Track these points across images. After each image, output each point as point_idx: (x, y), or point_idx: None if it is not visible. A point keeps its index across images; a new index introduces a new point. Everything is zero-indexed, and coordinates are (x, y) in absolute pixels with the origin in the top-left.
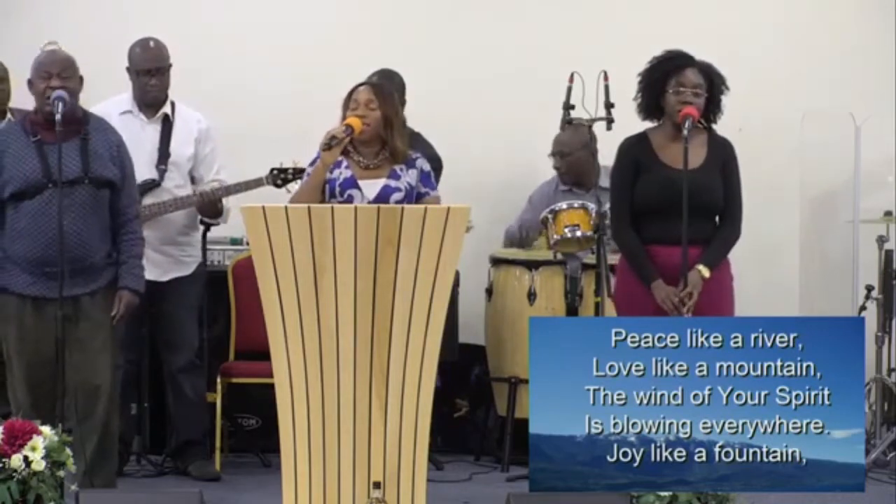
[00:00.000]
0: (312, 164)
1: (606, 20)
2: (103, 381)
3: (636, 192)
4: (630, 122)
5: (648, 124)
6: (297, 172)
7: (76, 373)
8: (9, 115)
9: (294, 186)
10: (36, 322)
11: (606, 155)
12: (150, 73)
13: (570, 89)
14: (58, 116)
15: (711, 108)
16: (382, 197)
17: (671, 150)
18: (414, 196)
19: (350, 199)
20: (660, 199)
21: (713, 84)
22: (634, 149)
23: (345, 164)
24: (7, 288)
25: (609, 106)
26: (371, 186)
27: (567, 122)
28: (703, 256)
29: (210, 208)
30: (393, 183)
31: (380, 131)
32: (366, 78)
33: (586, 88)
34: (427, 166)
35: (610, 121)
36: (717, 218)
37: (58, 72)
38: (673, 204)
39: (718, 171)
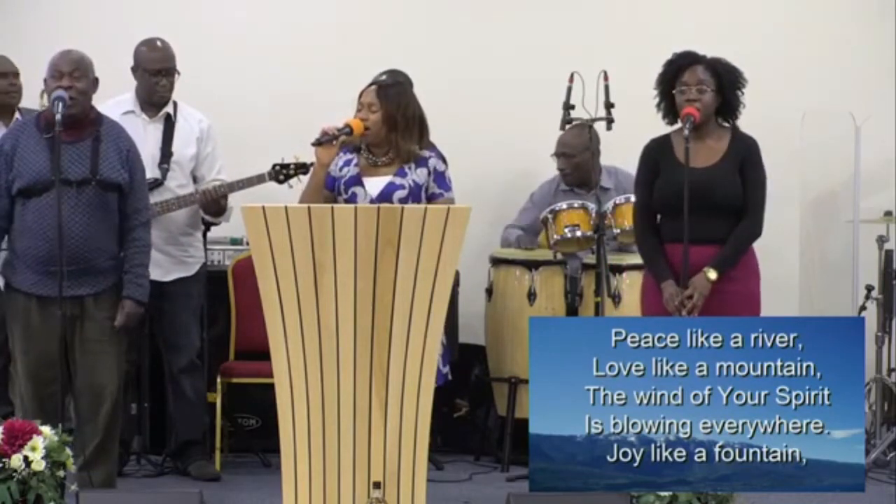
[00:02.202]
0: None
1: (606, 20)
2: (109, 383)
3: (654, 192)
4: (630, 122)
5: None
6: (299, 168)
7: (82, 373)
8: (17, 115)
9: (296, 182)
10: (41, 321)
11: (607, 155)
12: (160, 73)
13: (570, 89)
14: (58, 116)
15: (727, 104)
16: (385, 195)
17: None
18: (421, 195)
19: (353, 197)
20: (672, 197)
21: (722, 79)
22: (655, 150)
23: (354, 161)
24: (13, 284)
25: (609, 106)
26: (375, 184)
27: (567, 122)
28: (714, 258)
29: (213, 206)
30: (398, 181)
31: (384, 133)
32: (374, 77)
33: (586, 88)
34: (441, 166)
35: (610, 121)
36: (735, 216)
37: (69, 71)
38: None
39: (735, 169)
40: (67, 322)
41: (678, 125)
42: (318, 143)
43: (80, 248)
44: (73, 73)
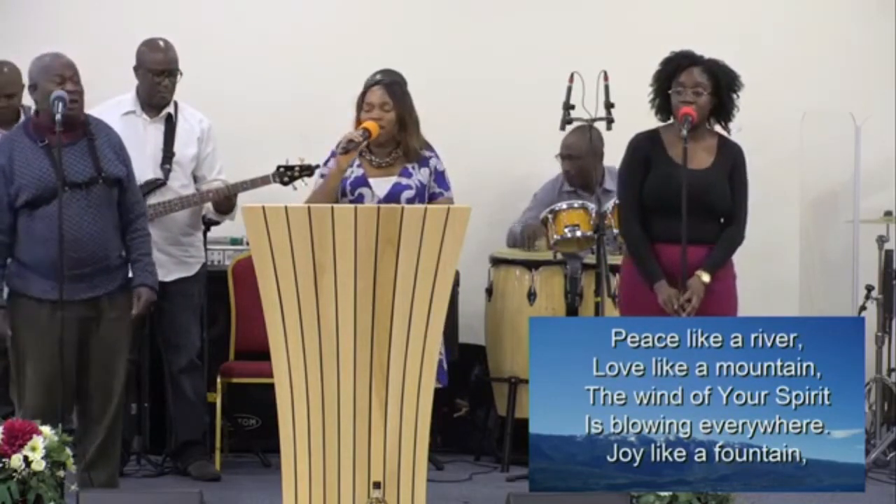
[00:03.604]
0: (325, 163)
1: (606, 20)
2: (118, 382)
3: (646, 189)
4: (630, 122)
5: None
6: (304, 170)
7: (97, 373)
8: (22, 115)
9: (301, 184)
10: (54, 326)
11: (607, 156)
12: (162, 73)
13: (570, 89)
14: (58, 116)
15: (722, 107)
16: (393, 195)
17: (680, 148)
18: (426, 194)
19: (360, 198)
20: (666, 196)
21: (719, 83)
22: (645, 145)
23: (356, 162)
24: (25, 292)
25: (609, 106)
26: (382, 184)
27: (567, 122)
28: (705, 261)
29: (225, 203)
30: (404, 181)
31: (394, 132)
32: (368, 78)
33: (586, 88)
34: (441, 166)
35: (610, 121)
36: (722, 220)
37: (70, 76)
38: (679, 202)
39: (726, 174)
40: (83, 324)
41: (669, 122)
42: (345, 152)
43: (96, 248)
44: (74, 77)
